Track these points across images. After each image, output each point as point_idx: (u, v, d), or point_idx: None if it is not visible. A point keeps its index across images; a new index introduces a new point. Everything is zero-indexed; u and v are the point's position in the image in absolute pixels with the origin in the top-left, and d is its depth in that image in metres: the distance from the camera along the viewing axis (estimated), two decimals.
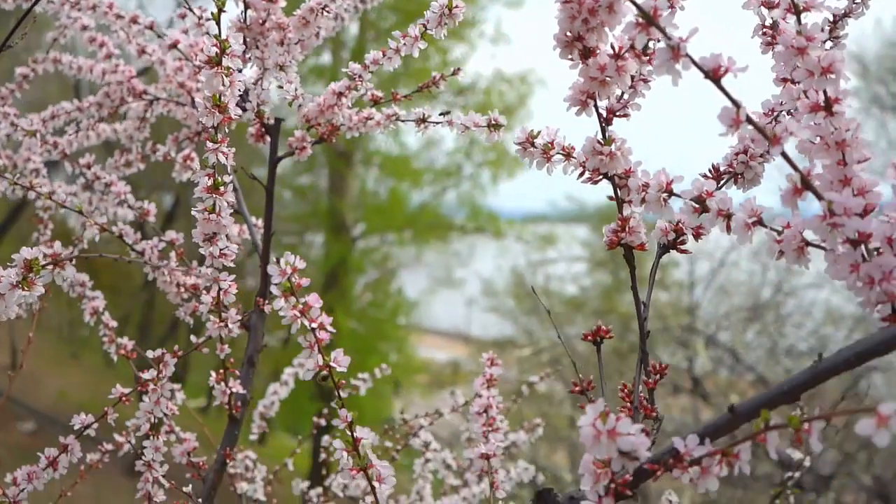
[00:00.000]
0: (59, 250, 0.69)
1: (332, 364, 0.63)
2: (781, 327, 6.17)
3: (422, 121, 0.94)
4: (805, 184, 0.51)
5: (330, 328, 0.62)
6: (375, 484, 0.64)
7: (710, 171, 0.68)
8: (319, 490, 1.34)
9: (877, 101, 8.97)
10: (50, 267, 0.65)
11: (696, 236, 0.66)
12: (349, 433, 0.64)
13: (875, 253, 0.51)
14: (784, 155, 0.50)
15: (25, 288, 0.67)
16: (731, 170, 0.68)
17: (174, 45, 1.05)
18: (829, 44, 0.72)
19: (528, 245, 11.06)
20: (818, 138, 0.54)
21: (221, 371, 0.95)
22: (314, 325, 0.61)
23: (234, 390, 0.96)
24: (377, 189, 12.36)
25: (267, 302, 0.97)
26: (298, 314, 0.61)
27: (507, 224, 11.80)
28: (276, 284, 0.60)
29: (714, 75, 0.50)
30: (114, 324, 1.08)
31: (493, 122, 0.82)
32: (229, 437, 0.99)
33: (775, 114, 0.68)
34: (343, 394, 0.65)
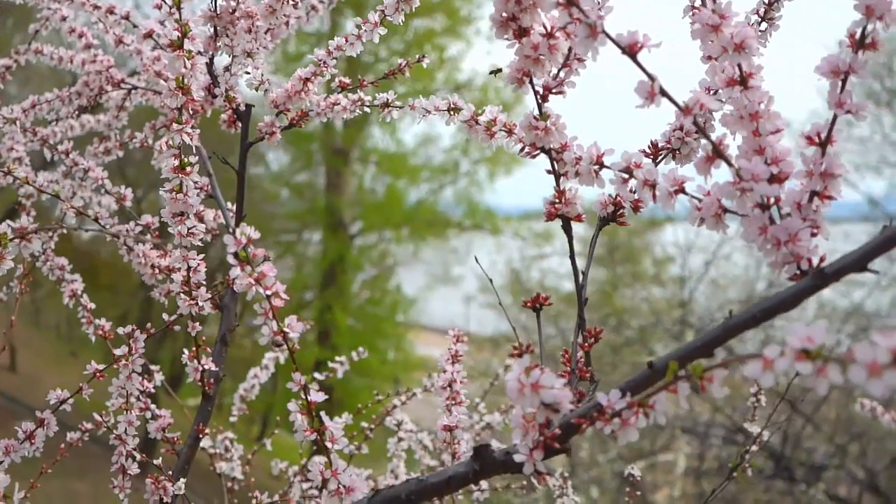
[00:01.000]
0: (26, 224, 0.72)
1: (286, 330, 0.66)
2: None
3: (385, 105, 0.98)
4: (717, 152, 0.54)
5: (284, 296, 0.66)
6: (329, 444, 0.67)
7: (648, 146, 0.72)
8: (296, 468, 1.38)
9: (871, 96, 9.00)
10: (17, 240, 0.69)
11: (635, 209, 0.70)
12: (304, 396, 0.67)
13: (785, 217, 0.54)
14: (697, 125, 0.54)
15: None
16: (668, 146, 0.71)
17: (149, 35, 1.08)
18: (763, 24, 0.75)
19: (525, 241, 11.09)
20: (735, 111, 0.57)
21: (194, 349, 0.98)
22: (269, 292, 0.65)
23: (206, 367, 1.00)
24: (374, 186, 12.40)
25: None
26: (254, 282, 0.65)
27: (505, 221, 11.83)
28: (231, 254, 0.64)
29: (631, 51, 0.53)
30: (92, 305, 1.11)
31: (452, 106, 0.86)
32: (203, 413, 1.03)
33: (711, 92, 0.71)
34: (292, 357, 0.69)
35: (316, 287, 11.28)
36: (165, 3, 0.85)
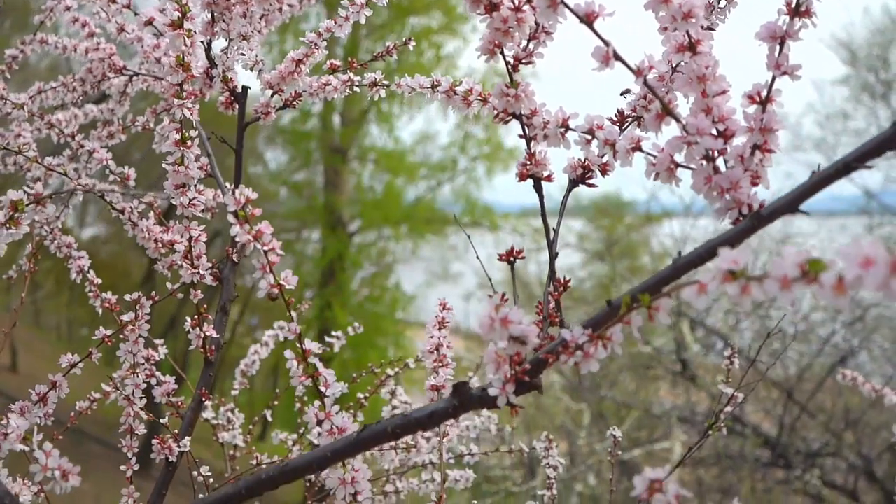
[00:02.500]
0: (41, 191, 0.77)
1: (281, 283, 0.72)
2: (768, 310, 6.27)
3: (374, 84, 1.04)
4: (666, 110, 0.60)
5: (280, 251, 0.72)
6: (322, 389, 0.73)
7: (615, 114, 0.78)
8: (294, 436, 1.44)
9: (867, 89, 9.07)
10: (33, 205, 0.74)
11: (603, 172, 0.76)
12: (298, 345, 0.73)
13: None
14: (647, 85, 0.60)
15: (12, 226, 0.76)
16: (633, 113, 0.77)
17: (149, 22, 1.14)
18: (723, 2, 0.81)
19: (524, 238, 11.15)
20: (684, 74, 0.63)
21: (196, 317, 1.04)
22: (266, 248, 0.71)
23: (207, 334, 1.06)
24: (373, 184, 12.45)
25: (235, 251, 1.06)
26: (252, 238, 0.70)
27: (503, 217, 11.88)
28: (231, 212, 0.70)
29: (588, 19, 0.59)
30: (98, 281, 1.17)
31: (435, 83, 0.91)
32: (205, 378, 1.08)
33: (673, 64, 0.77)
34: (293, 313, 0.75)
35: (315, 285, 11.34)
36: None
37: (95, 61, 1.28)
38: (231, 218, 0.70)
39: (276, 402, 1.56)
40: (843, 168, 0.54)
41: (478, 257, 0.99)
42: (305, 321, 10.55)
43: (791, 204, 0.56)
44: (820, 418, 6.40)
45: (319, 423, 0.72)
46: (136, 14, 1.18)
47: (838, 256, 0.40)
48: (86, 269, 1.19)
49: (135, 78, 1.28)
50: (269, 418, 1.51)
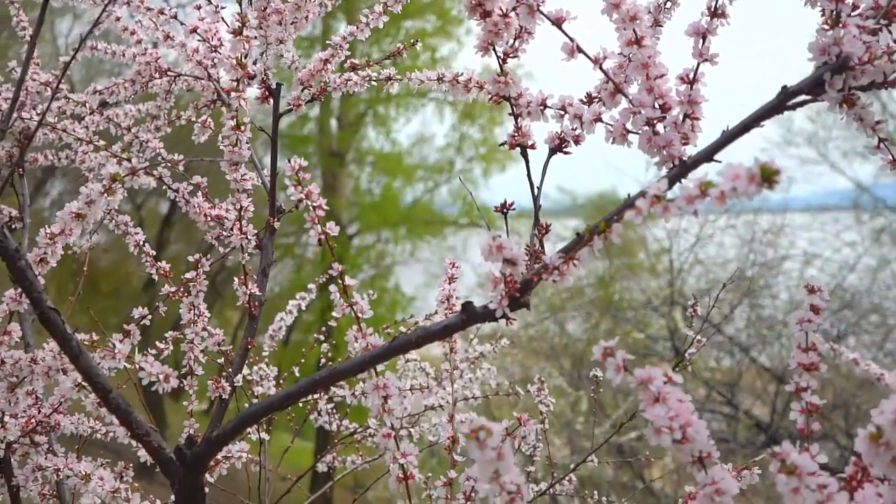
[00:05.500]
0: (135, 165, 0.97)
1: (327, 231, 0.92)
2: (758, 298, 6.49)
3: (388, 79, 1.24)
4: (617, 89, 0.80)
5: (325, 207, 0.92)
6: (360, 314, 0.93)
7: (585, 95, 0.98)
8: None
9: None
10: (129, 176, 0.94)
11: (576, 142, 0.96)
12: (341, 281, 0.94)
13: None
14: (602, 71, 0.80)
15: (109, 194, 0.96)
16: (598, 95, 0.97)
17: (194, 30, 1.34)
18: (668, 3, 1.01)
19: (521, 237, 11.34)
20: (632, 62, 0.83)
21: (243, 276, 1.24)
22: (315, 204, 0.91)
23: (252, 292, 1.26)
24: (370, 187, 12.65)
25: (277, 220, 1.26)
26: (304, 197, 0.91)
27: (500, 217, 12.07)
28: (287, 176, 0.90)
29: (558, 22, 0.80)
30: (153, 252, 1.37)
31: (440, 76, 1.12)
32: (249, 330, 1.28)
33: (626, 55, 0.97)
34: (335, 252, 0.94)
35: (316, 288, 11.53)
36: (207, 2, 1.11)
37: (143, 64, 1.48)
38: (287, 181, 0.91)
39: (303, 361, 1.76)
40: (744, 128, 0.74)
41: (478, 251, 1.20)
42: (306, 325, 10.75)
43: (707, 156, 0.76)
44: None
45: (356, 341, 0.92)
46: (182, 24, 1.38)
47: (719, 175, 0.60)
48: (141, 243, 1.39)
49: (178, 78, 1.48)
50: (298, 374, 1.71)
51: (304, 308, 1.73)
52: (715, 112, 0.91)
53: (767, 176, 0.57)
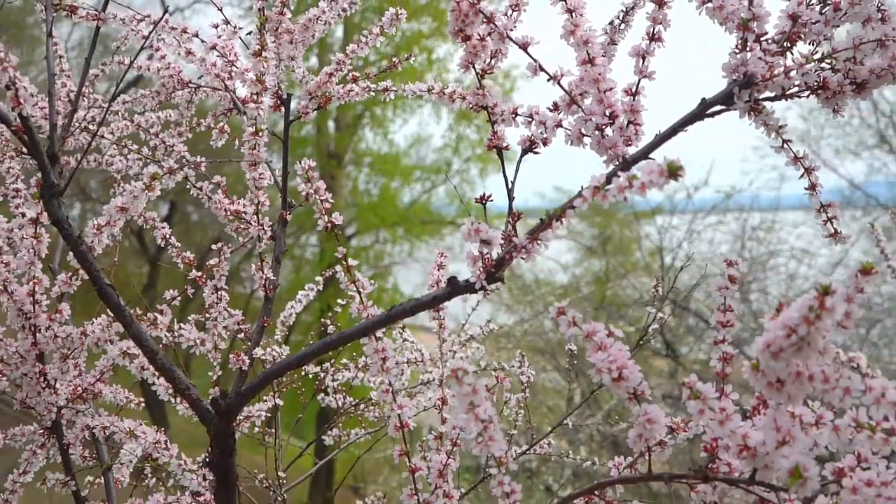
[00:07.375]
0: (173, 166, 1.15)
1: (333, 220, 1.10)
2: (748, 293, 6.67)
3: (386, 90, 1.42)
4: (572, 100, 0.98)
5: (330, 200, 1.09)
6: (361, 290, 1.11)
7: (551, 104, 1.16)
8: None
9: None
10: (167, 175, 1.12)
11: (544, 144, 1.14)
12: (344, 262, 1.11)
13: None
14: (560, 86, 0.98)
15: (149, 190, 1.14)
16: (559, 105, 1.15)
17: (213, 47, 1.52)
18: (622, 25, 1.19)
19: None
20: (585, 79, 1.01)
21: (259, 263, 1.42)
22: (322, 198, 1.09)
23: (268, 277, 1.43)
24: (368, 188, 12.81)
25: (289, 213, 1.44)
26: (313, 192, 1.09)
27: (498, 217, 12.25)
28: (299, 175, 1.08)
29: (524, 46, 0.98)
30: (179, 245, 1.55)
31: (430, 87, 1.29)
32: (265, 310, 1.46)
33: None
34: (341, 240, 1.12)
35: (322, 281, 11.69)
36: (225, 25, 1.29)
37: (166, 77, 1.66)
38: (299, 178, 1.08)
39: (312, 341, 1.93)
40: (672, 132, 0.92)
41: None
42: (305, 325, 10.92)
43: (643, 154, 0.94)
44: None
45: (360, 312, 1.10)
46: (203, 42, 1.56)
47: (639, 172, 0.78)
48: (168, 236, 1.57)
49: (198, 90, 1.66)
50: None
51: (312, 298, 1.91)
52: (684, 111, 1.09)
53: (673, 171, 0.75)
